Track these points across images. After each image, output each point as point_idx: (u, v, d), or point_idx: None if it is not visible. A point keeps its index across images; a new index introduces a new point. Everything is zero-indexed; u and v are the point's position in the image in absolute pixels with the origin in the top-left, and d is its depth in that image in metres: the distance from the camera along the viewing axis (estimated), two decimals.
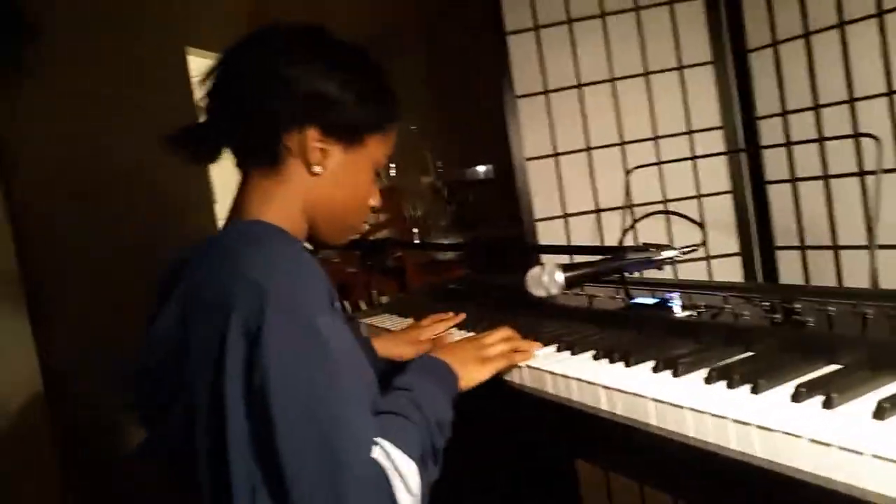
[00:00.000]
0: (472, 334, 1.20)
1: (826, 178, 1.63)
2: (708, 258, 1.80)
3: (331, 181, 0.90)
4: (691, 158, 1.75)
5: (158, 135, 0.88)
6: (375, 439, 0.75)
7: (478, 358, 0.99)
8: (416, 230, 3.17)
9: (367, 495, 0.70)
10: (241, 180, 0.92)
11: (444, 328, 1.30)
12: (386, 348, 1.26)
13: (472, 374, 0.97)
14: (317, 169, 0.88)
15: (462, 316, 1.32)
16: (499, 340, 1.03)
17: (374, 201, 0.97)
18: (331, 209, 0.92)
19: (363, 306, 1.71)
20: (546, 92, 1.85)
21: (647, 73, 1.82)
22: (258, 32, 0.90)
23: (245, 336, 0.74)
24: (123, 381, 0.90)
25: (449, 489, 0.87)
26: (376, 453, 0.74)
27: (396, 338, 1.30)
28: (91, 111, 2.15)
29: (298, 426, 0.71)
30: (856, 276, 1.59)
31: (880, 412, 0.65)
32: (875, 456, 0.59)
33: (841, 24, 1.57)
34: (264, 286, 0.75)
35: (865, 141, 1.52)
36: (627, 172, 1.58)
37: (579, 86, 1.84)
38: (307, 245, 0.98)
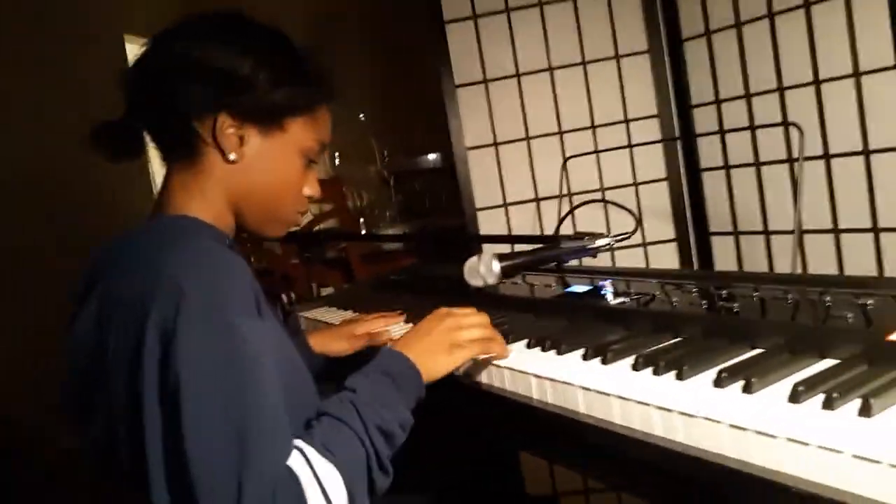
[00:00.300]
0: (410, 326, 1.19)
1: (757, 165, 1.67)
2: (645, 245, 1.83)
3: (251, 169, 0.86)
4: (628, 147, 1.77)
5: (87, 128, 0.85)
6: (298, 445, 0.73)
7: (450, 344, 0.90)
8: (361, 220, 3.14)
9: (267, 501, 0.66)
10: (165, 175, 0.88)
11: (383, 324, 1.27)
12: (322, 343, 1.23)
13: (439, 365, 0.89)
14: (232, 156, 0.84)
15: (401, 317, 1.28)
16: (475, 325, 0.94)
17: (310, 191, 0.92)
18: (256, 199, 0.88)
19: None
20: (485, 81, 1.85)
21: (584, 63, 1.83)
22: (178, 21, 0.87)
23: (161, 337, 0.71)
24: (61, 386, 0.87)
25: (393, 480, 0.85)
26: (293, 460, 0.71)
27: (333, 332, 1.28)
28: (26, 103, 2.06)
29: (205, 432, 0.68)
30: (786, 260, 1.63)
31: (795, 396, 0.66)
32: (789, 439, 0.60)
33: (771, 15, 1.60)
34: (181, 285, 0.71)
35: (792, 129, 1.56)
36: (564, 162, 1.59)
37: (518, 75, 1.84)
38: (242, 237, 0.95)
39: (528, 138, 1.84)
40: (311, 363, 1.20)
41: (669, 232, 1.82)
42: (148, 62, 0.85)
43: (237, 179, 0.86)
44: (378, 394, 0.81)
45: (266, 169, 0.87)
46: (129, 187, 2.42)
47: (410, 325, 1.27)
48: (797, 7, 1.56)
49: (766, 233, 1.68)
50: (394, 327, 1.25)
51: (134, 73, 0.86)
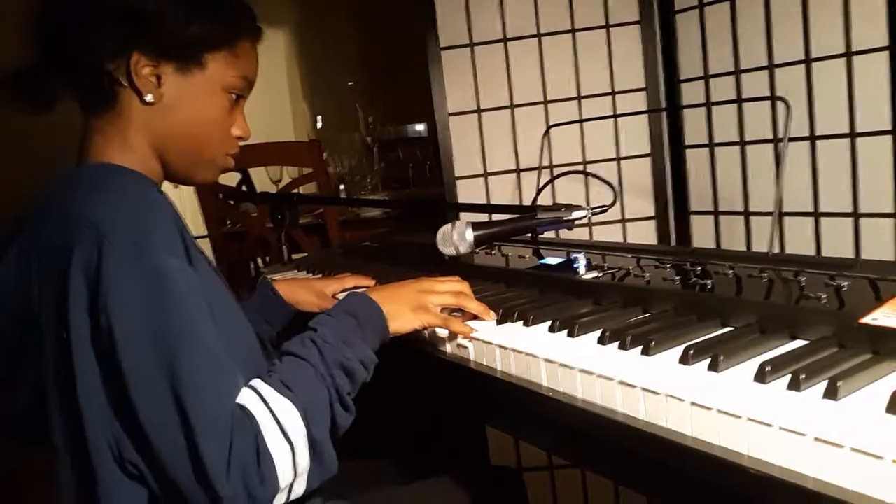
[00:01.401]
0: None
1: (742, 143, 1.64)
2: (623, 221, 1.80)
3: (172, 110, 0.82)
4: (611, 117, 1.73)
5: None
6: (253, 384, 0.72)
7: (417, 304, 0.90)
8: (342, 187, 3.09)
9: (224, 440, 0.66)
10: (84, 125, 0.84)
11: (353, 283, 1.25)
12: (290, 291, 1.22)
13: (405, 319, 0.89)
14: (149, 97, 0.80)
15: (372, 281, 1.26)
16: (447, 292, 0.94)
17: (239, 131, 0.89)
18: (180, 142, 0.84)
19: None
20: (471, 45, 1.79)
21: (573, 31, 1.78)
22: None
23: (86, 282, 0.69)
24: None
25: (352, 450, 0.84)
26: (247, 398, 0.70)
27: (302, 283, 1.26)
28: None
29: (149, 376, 0.67)
30: (765, 242, 1.61)
31: (761, 375, 0.64)
32: (752, 419, 0.58)
33: None
34: (101, 228, 0.69)
35: (780, 107, 1.53)
36: (546, 131, 1.55)
37: (505, 40, 1.79)
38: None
39: (512, 106, 1.79)
40: (284, 312, 1.18)
41: (649, 209, 1.79)
42: (55, 7, 0.80)
43: (158, 122, 0.82)
44: (341, 332, 0.81)
45: (187, 108, 0.83)
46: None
47: None
48: None
49: (747, 213, 1.66)
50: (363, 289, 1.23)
51: (40, 19, 0.81)
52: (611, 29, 1.78)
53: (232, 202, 2.49)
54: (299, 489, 0.72)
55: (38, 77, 0.81)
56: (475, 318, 0.95)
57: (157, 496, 0.71)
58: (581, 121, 1.72)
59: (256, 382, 0.73)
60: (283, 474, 0.69)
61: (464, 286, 0.97)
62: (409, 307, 0.90)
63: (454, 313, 0.96)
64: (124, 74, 0.80)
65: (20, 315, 0.75)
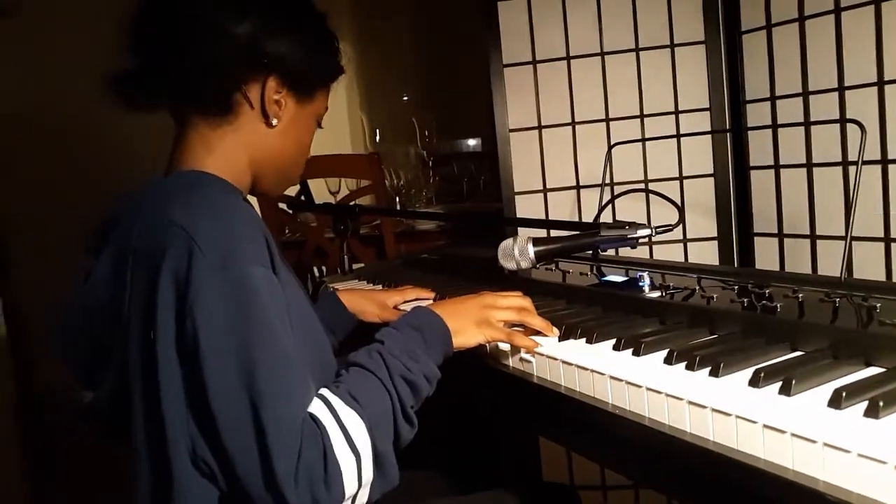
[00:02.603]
0: None
1: (809, 166, 1.61)
2: (685, 241, 1.78)
3: (282, 133, 0.89)
4: (675, 136, 1.72)
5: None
6: (322, 393, 0.74)
7: (481, 319, 0.91)
8: (397, 199, 3.13)
9: (294, 448, 0.68)
10: (181, 129, 0.88)
11: (415, 296, 1.27)
12: (353, 302, 1.25)
13: (468, 335, 0.90)
14: (275, 122, 0.87)
15: (433, 293, 1.29)
16: (510, 307, 0.95)
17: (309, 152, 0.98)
18: (278, 162, 0.91)
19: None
20: (534, 62, 1.81)
21: (637, 49, 1.78)
22: None
23: (174, 287, 0.72)
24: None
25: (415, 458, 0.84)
26: (316, 407, 0.72)
27: (365, 294, 1.30)
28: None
29: (227, 381, 0.69)
30: (831, 266, 1.57)
31: (836, 401, 0.63)
32: (827, 444, 0.57)
33: (837, 10, 1.53)
34: (193, 234, 0.72)
35: (850, 130, 1.49)
36: (610, 148, 1.55)
37: (568, 58, 1.80)
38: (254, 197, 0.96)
39: (573, 123, 1.80)
40: (346, 322, 1.21)
41: (712, 229, 1.77)
42: (174, 16, 0.83)
43: (266, 142, 0.88)
44: (406, 346, 0.82)
45: (294, 134, 0.91)
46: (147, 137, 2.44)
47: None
48: (866, 3, 1.49)
49: (813, 237, 1.62)
50: (425, 302, 1.24)
51: (155, 24, 0.84)
52: (675, 48, 1.77)
53: (292, 212, 2.55)
54: (362, 500, 0.73)
55: (151, 78, 0.84)
56: (537, 333, 0.96)
57: (227, 495, 0.74)
58: (645, 140, 1.71)
59: (326, 392, 0.75)
60: (349, 484, 0.70)
61: (526, 301, 0.98)
62: (472, 322, 0.91)
63: (515, 328, 0.97)
64: (257, 96, 0.85)
65: (110, 314, 0.79)
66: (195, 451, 0.73)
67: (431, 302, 1.24)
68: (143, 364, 0.75)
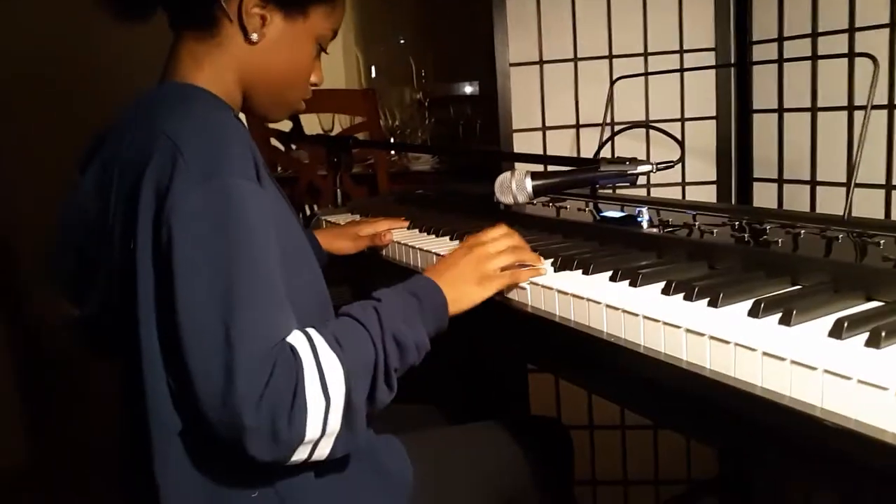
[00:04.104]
0: (446, 239, 1.16)
1: (814, 110, 1.58)
2: (683, 184, 1.76)
3: (269, 51, 0.85)
4: (679, 70, 1.68)
5: None
6: (308, 331, 0.71)
7: (479, 276, 0.88)
8: (392, 140, 3.08)
9: (264, 372, 0.65)
10: (174, 41, 0.86)
11: (387, 226, 1.26)
12: (327, 241, 1.24)
13: (467, 296, 0.87)
14: (254, 36, 0.83)
15: (405, 223, 1.29)
16: (503, 251, 0.91)
17: (316, 77, 0.93)
18: (267, 80, 0.87)
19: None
20: None
21: None
22: None
23: (156, 194, 0.70)
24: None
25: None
26: (298, 341, 0.69)
27: (337, 231, 1.29)
28: None
29: (198, 292, 0.67)
30: (831, 212, 1.56)
31: (837, 331, 0.62)
32: (827, 371, 0.56)
33: None
34: (178, 143, 0.70)
35: (859, 72, 1.46)
36: (612, 82, 1.51)
37: None
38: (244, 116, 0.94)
39: (575, 59, 1.75)
40: (319, 257, 1.20)
41: (711, 173, 1.75)
42: None
43: (252, 60, 0.85)
44: (402, 309, 0.79)
45: (283, 53, 0.86)
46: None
47: (415, 230, 1.25)
48: None
49: (813, 182, 1.60)
50: (396, 232, 1.24)
51: None
52: None
53: (284, 148, 2.51)
54: (323, 451, 0.70)
55: None
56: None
57: (189, 419, 0.72)
58: (648, 74, 1.67)
59: (311, 330, 0.72)
60: (312, 427, 0.67)
61: (514, 238, 0.95)
62: (473, 283, 0.88)
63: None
64: (235, 9, 0.82)
65: (96, 227, 0.77)
66: (165, 368, 0.72)
67: (404, 231, 1.25)
68: (124, 275, 0.74)
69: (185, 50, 0.85)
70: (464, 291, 0.87)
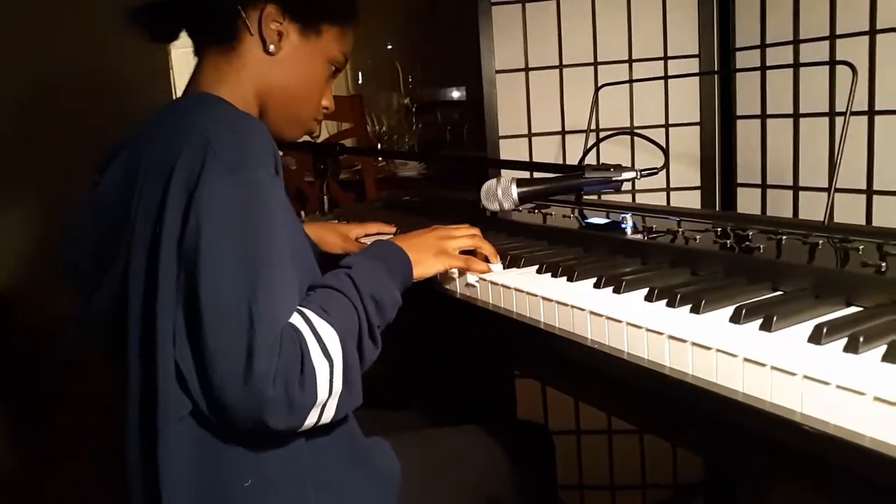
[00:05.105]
0: None
1: (796, 116, 1.59)
2: (668, 190, 1.77)
3: (285, 64, 0.90)
4: (663, 78, 1.69)
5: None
6: (299, 307, 0.75)
7: (438, 248, 0.96)
8: (379, 146, 3.08)
9: (275, 349, 0.70)
10: (198, 61, 0.91)
11: (376, 229, 1.31)
12: (317, 233, 1.26)
13: (427, 264, 0.94)
14: (271, 48, 0.88)
15: (395, 228, 1.32)
16: (464, 236, 1.00)
17: (327, 101, 0.98)
18: (282, 96, 0.92)
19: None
20: (522, 1, 1.76)
21: None
22: None
23: (185, 185, 0.73)
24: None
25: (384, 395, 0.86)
26: (295, 318, 0.74)
27: (328, 226, 1.31)
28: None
29: (226, 275, 0.71)
30: (813, 217, 1.57)
31: (817, 336, 0.63)
32: (807, 377, 0.57)
33: None
34: (210, 137, 0.74)
35: (839, 79, 1.48)
36: (597, 89, 1.52)
37: None
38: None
39: (560, 66, 1.76)
40: (315, 251, 1.22)
41: (695, 179, 1.76)
42: None
43: (269, 73, 0.90)
44: (372, 271, 0.85)
45: (297, 68, 0.91)
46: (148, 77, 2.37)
47: None
48: None
49: (796, 188, 1.62)
50: (386, 236, 1.24)
51: None
52: None
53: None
54: (330, 413, 0.75)
55: (170, 7, 0.90)
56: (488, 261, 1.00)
57: (196, 404, 0.74)
58: (632, 81, 1.68)
59: (303, 308, 0.77)
60: (322, 388, 0.72)
61: (476, 230, 1.02)
62: (431, 253, 0.95)
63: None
64: (255, 21, 0.88)
65: (119, 216, 0.80)
66: (177, 358, 0.74)
67: (392, 236, 1.24)
68: (147, 262, 0.76)
69: (209, 63, 0.90)
70: (422, 257, 0.93)
